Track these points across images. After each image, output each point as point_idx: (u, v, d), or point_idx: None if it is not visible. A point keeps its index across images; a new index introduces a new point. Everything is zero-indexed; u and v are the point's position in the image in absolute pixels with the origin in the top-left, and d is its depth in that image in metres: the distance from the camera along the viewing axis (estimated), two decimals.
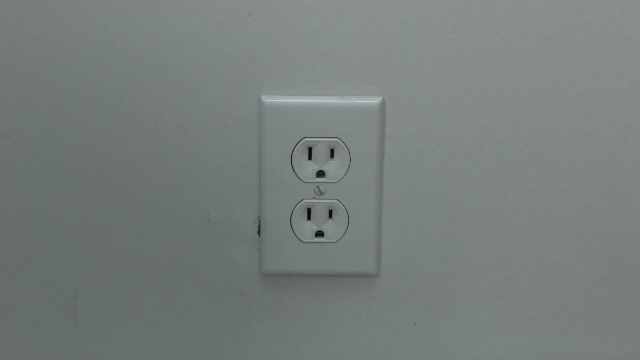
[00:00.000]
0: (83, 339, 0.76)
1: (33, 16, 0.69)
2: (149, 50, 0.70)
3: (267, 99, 0.70)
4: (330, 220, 0.73)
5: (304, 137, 0.71)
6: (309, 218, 0.73)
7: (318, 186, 0.72)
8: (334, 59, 0.70)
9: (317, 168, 0.72)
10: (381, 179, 0.72)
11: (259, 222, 0.73)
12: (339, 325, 0.77)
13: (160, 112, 0.71)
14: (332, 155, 0.72)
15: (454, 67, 0.70)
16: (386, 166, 0.72)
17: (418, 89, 0.70)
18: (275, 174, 0.72)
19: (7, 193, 0.73)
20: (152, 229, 0.74)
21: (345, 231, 0.73)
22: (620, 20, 0.69)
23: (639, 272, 0.75)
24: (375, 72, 0.70)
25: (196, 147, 0.72)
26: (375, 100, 0.70)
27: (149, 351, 0.77)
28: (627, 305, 0.75)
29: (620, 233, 0.74)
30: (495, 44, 0.69)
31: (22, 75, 0.70)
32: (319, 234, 0.74)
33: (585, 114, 0.71)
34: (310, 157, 0.72)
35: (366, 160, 0.71)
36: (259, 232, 0.74)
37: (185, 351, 0.77)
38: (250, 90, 0.71)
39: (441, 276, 0.75)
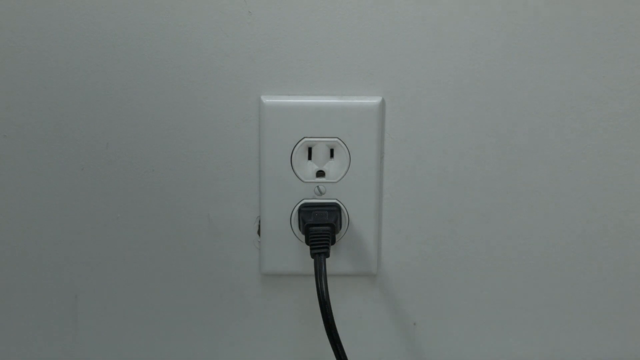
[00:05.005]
0: (83, 339, 0.76)
1: (33, 16, 0.69)
2: (149, 50, 0.70)
3: (267, 99, 0.70)
4: None
5: (304, 137, 0.71)
6: None
7: (318, 186, 0.72)
8: (334, 59, 0.70)
9: (317, 168, 0.72)
10: (381, 179, 0.72)
11: (259, 222, 0.73)
12: (339, 325, 0.76)
13: (160, 112, 0.71)
14: (332, 155, 0.72)
15: (454, 67, 0.70)
16: (386, 166, 0.72)
17: (418, 89, 0.70)
18: (275, 174, 0.72)
19: (7, 193, 0.73)
20: (152, 229, 0.74)
21: (346, 231, 0.73)
22: (620, 20, 0.69)
23: (639, 272, 0.75)
24: (375, 72, 0.70)
25: (196, 147, 0.72)
26: (375, 100, 0.70)
27: (149, 351, 0.77)
28: (627, 305, 0.75)
29: (621, 233, 0.74)
30: (495, 43, 0.69)
31: (22, 75, 0.70)
32: None
33: (585, 114, 0.71)
34: (310, 157, 0.72)
35: (366, 160, 0.71)
36: (259, 232, 0.74)
37: (185, 351, 0.77)
38: (250, 90, 0.71)
39: (441, 276, 0.75)
